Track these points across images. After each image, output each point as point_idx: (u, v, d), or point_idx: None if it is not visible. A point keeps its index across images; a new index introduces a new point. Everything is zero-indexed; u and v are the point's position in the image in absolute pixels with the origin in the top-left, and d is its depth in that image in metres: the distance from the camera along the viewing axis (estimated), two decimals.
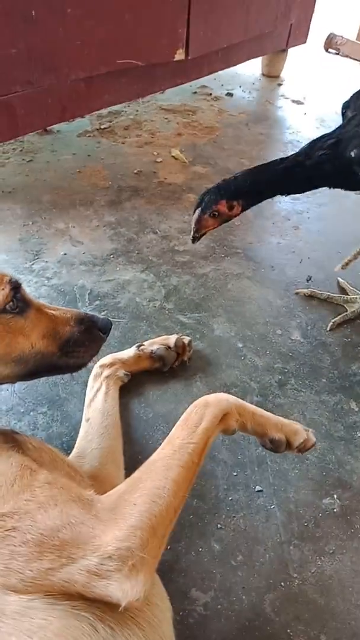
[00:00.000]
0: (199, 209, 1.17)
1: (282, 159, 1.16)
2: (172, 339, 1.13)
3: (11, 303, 0.68)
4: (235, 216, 1.20)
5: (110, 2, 1.56)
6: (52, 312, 0.75)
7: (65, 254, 1.45)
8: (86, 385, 1.09)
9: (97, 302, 1.30)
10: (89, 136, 2.06)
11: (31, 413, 1.04)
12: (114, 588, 0.51)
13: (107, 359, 1.08)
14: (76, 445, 0.91)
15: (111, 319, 1.23)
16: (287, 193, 1.24)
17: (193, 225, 1.20)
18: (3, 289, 0.67)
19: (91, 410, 0.97)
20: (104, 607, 0.51)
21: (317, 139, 1.15)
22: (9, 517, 0.54)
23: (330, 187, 1.19)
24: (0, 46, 1.39)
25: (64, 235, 1.52)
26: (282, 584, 0.82)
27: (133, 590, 0.51)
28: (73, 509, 0.56)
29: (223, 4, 1.90)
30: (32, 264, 1.41)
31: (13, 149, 1.94)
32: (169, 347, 1.12)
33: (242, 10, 2.01)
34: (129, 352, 1.10)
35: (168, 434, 1.00)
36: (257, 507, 0.91)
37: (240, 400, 0.80)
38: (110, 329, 0.82)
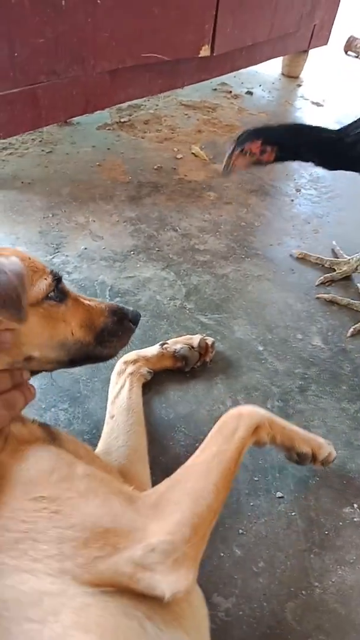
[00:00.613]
0: (234, 144, 1.19)
1: (325, 129, 1.19)
2: (195, 339, 1.12)
3: (53, 292, 0.69)
4: (265, 162, 1.20)
5: None
6: (87, 302, 0.77)
7: (85, 248, 1.44)
8: (107, 383, 1.09)
9: (118, 299, 1.29)
10: (109, 129, 2.05)
11: (52, 409, 1.03)
12: (158, 580, 0.52)
13: (130, 356, 1.07)
14: (101, 442, 0.91)
15: None
16: (320, 164, 1.24)
17: (225, 159, 1.22)
18: (46, 279, 0.68)
19: (115, 407, 0.97)
20: (151, 607, 0.52)
21: (358, 119, 1.17)
22: (49, 500, 0.54)
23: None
24: (28, 35, 1.38)
25: (84, 230, 1.51)
26: (303, 592, 0.82)
27: (176, 584, 0.52)
28: (114, 501, 0.57)
29: (251, 1, 1.88)
30: (53, 258, 1.40)
31: (32, 139, 1.93)
32: (192, 347, 1.11)
33: (270, 8, 2.00)
34: (153, 350, 1.10)
35: (189, 435, 1.01)
36: (278, 514, 0.91)
37: (271, 414, 0.83)
38: (139, 319, 0.84)
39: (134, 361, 1.06)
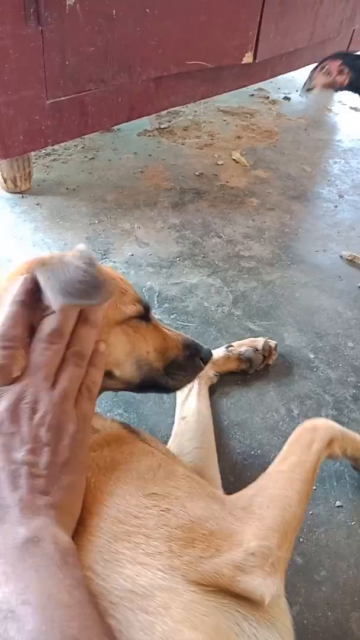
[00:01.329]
0: (319, 62, 1.30)
1: None
2: (259, 342, 1.14)
3: (140, 314, 0.71)
4: (340, 84, 1.28)
5: (188, 2, 1.56)
6: (165, 330, 0.78)
7: (132, 254, 1.46)
8: None
9: (166, 305, 1.30)
10: (149, 136, 2.07)
11: (108, 414, 1.05)
12: (257, 584, 0.53)
13: None
14: (172, 444, 0.92)
15: (182, 323, 1.25)
16: None
17: (307, 77, 1.33)
18: (135, 305, 0.70)
19: (185, 409, 0.98)
20: (247, 607, 0.53)
21: None
22: (160, 498, 0.56)
23: None
24: (80, 44, 1.40)
25: (130, 236, 1.53)
26: None
27: (273, 588, 0.53)
28: (213, 503, 0.59)
29: (295, 7, 1.89)
30: (101, 264, 1.41)
31: (75, 145, 1.95)
32: (257, 350, 1.13)
33: (312, 14, 2.00)
34: (219, 353, 1.12)
35: (244, 442, 1.01)
36: (337, 523, 0.91)
37: (342, 427, 0.85)
38: (210, 359, 0.83)
39: None
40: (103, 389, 0.72)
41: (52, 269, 0.55)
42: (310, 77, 1.31)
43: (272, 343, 1.15)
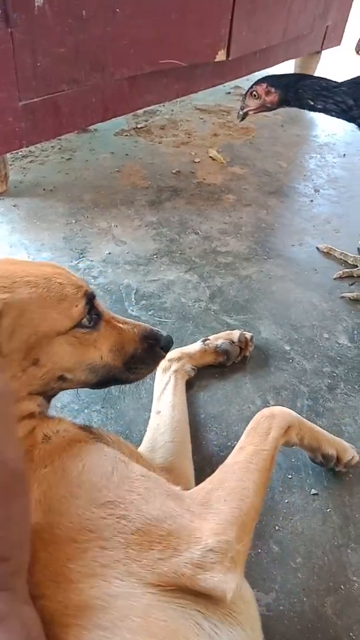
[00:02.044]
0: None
1: (326, 78, 1.32)
2: (235, 334, 1.15)
3: (86, 317, 0.68)
4: (270, 104, 1.38)
5: (158, 1, 1.57)
6: (120, 325, 0.76)
7: (109, 253, 1.46)
8: (137, 384, 1.10)
9: (144, 302, 1.31)
10: (126, 135, 2.08)
11: (85, 410, 1.05)
12: (217, 580, 0.53)
13: (175, 353, 1.10)
14: (146, 438, 0.93)
15: (159, 319, 1.25)
16: (316, 108, 1.34)
17: (240, 103, 1.44)
18: (77, 306, 0.67)
19: (161, 403, 0.99)
20: (206, 605, 0.53)
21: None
22: (116, 505, 0.55)
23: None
24: (50, 45, 1.41)
25: (107, 235, 1.54)
26: (342, 587, 0.83)
27: (234, 583, 0.53)
28: (170, 502, 0.58)
29: (266, 4, 1.90)
30: (78, 263, 1.42)
31: (52, 147, 1.96)
32: (233, 342, 1.14)
33: (284, 11, 2.01)
34: (195, 347, 1.13)
35: (221, 434, 1.02)
36: (313, 510, 0.92)
37: (300, 416, 0.87)
38: (171, 347, 0.82)
39: (178, 358, 1.09)
40: (59, 389, 0.72)
41: None
42: (242, 104, 1.42)
43: (248, 335, 1.17)
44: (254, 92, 1.38)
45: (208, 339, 1.15)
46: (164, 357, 0.81)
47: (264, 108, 1.40)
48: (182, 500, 0.60)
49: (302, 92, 1.31)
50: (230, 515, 0.59)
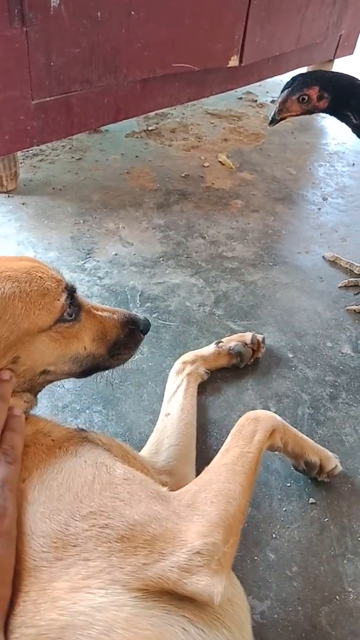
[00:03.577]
0: (289, 89, 1.17)
1: None
2: (247, 336, 1.17)
3: (68, 311, 0.68)
4: (318, 110, 1.18)
5: (173, 5, 1.58)
6: (100, 314, 0.76)
7: (116, 254, 1.47)
8: (139, 386, 1.11)
9: (148, 304, 1.31)
10: (137, 137, 2.08)
11: (87, 411, 1.05)
12: (204, 584, 0.52)
13: (189, 356, 1.11)
14: (151, 439, 0.93)
15: (163, 322, 1.26)
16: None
17: (277, 106, 1.20)
18: (59, 300, 0.66)
19: (171, 405, 0.99)
20: (192, 609, 0.52)
21: None
22: (99, 514, 0.54)
23: None
24: (65, 45, 1.42)
25: (115, 236, 1.54)
26: (337, 597, 0.83)
27: (221, 587, 0.52)
28: (155, 504, 0.57)
29: (280, 12, 1.91)
30: (84, 263, 1.42)
31: (62, 146, 1.96)
32: (246, 344, 1.15)
33: (298, 18, 2.02)
34: (209, 349, 1.14)
35: (221, 440, 1.02)
36: (311, 519, 0.92)
37: (284, 421, 0.87)
38: (149, 329, 0.83)
39: (193, 361, 1.09)
40: (44, 382, 0.71)
41: None
42: (281, 107, 1.20)
43: (260, 336, 1.18)
44: (304, 97, 1.16)
45: (221, 341, 1.16)
46: (142, 339, 0.81)
47: (306, 113, 1.22)
48: (168, 502, 0.59)
49: (357, 102, 1.16)
50: (217, 517, 0.58)
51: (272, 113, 1.22)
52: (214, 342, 1.16)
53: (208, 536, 0.56)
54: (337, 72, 1.23)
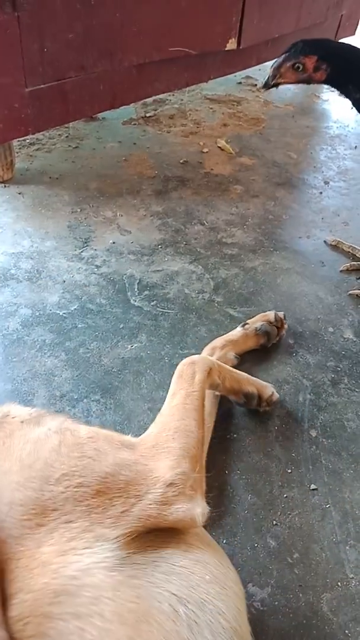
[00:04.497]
0: (286, 54, 1.11)
1: None
2: (271, 315, 1.17)
3: None
4: (314, 81, 1.13)
5: None
6: None
7: (113, 242, 1.45)
8: (138, 375, 1.10)
9: (147, 292, 1.30)
10: (134, 124, 2.06)
11: (84, 400, 1.04)
12: (184, 509, 0.57)
13: (217, 342, 1.11)
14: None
15: (162, 310, 1.24)
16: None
17: (271, 71, 1.14)
18: None
19: None
20: (183, 589, 0.52)
21: None
22: (71, 475, 0.56)
23: None
24: (58, 30, 1.39)
25: (112, 224, 1.52)
26: (339, 584, 0.82)
27: (199, 508, 0.59)
28: (122, 453, 0.61)
29: None
30: (82, 252, 1.41)
31: (59, 134, 1.94)
32: (270, 322, 1.16)
33: None
34: (237, 333, 1.14)
35: (220, 426, 1.01)
36: (312, 506, 0.91)
37: (219, 362, 0.96)
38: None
39: (222, 346, 1.09)
40: None
41: None
42: (277, 70, 1.13)
43: (281, 314, 1.19)
44: (298, 65, 1.09)
45: (247, 323, 1.16)
46: None
47: (302, 82, 1.15)
48: (135, 448, 0.64)
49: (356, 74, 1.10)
50: (180, 450, 0.65)
51: (266, 77, 1.15)
52: (240, 325, 1.16)
53: (177, 467, 0.62)
54: (344, 44, 1.16)
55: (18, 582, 0.49)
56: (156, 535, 0.56)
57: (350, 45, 1.16)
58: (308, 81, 1.14)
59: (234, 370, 1.00)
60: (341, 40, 2.46)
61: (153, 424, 0.74)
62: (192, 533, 0.60)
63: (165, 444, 0.66)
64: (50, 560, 0.49)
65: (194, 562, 0.55)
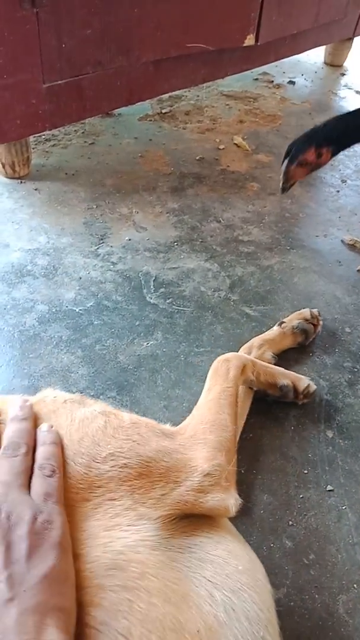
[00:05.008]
0: (287, 160, 1.16)
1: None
2: (306, 312, 1.18)
3: None
4: (324, 164, 1.18)
5: None
6: None
7: (129, 239, 1.45)
8: (153, 372, 1.10)
9: (162, 290, 1.30)
10: (150, 120, 2.05)
11: (101, 397, 1.04)
12: (219, 499, 0.60)
13: (255, 341, 1.11)
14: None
15: (177, 308, 1.24)
16: None
17: (282, 177, 1.18)
18: None
19: None
20: (217, 576, 0.53)
21: None
22: (117, 455, 0.58)
23: None
24: (76, 26, 1.39)
25: (128, 221, 1.52)
26: (355, 585, 0.81)
27: (233, 498, 0.62)
28: (163, 441, 0.64)
29: None
30: (98, 248, 1.41)
31: (75, 130, 1.94)
32: (307, 320, 1.16)
33: None
34: (274, 332, 1.14)
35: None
36: (328, 507, 0.90)
37: (253, 358, 1.00)
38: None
39: (260, 345, 1.09)
40: None
41: None
42: (285, 177, 1.17)
43: (315, 311, 1.19)
44: (302, 162, 1.14)
45: (283, 322, 1.16)
46: None
47: (316, 170, 1.18)
48: (174, 437, 0.67)
49: (356, 134, 1.14)
50: (217, 443, 0.69)
51: (280, 183, 1.19)
52: (277, 324, 1.16)
53: (213, 459, 0.65)
54: (328, 121, 1.15)
55: (77, 549, 0.51)
56: (190, 525, 0.58)
57: (335, 117, 1.17)
58: (319, 167, 1.18)
59: (268, 365, 1.02)
60: (358, 38, 2.44)
61: (190, 416, 0.78)
62: (224, 526, 0.62)
63: (202, 435, 0.69)
64: (98, 534, 0.51)
65: (227, 553, 0.57)
